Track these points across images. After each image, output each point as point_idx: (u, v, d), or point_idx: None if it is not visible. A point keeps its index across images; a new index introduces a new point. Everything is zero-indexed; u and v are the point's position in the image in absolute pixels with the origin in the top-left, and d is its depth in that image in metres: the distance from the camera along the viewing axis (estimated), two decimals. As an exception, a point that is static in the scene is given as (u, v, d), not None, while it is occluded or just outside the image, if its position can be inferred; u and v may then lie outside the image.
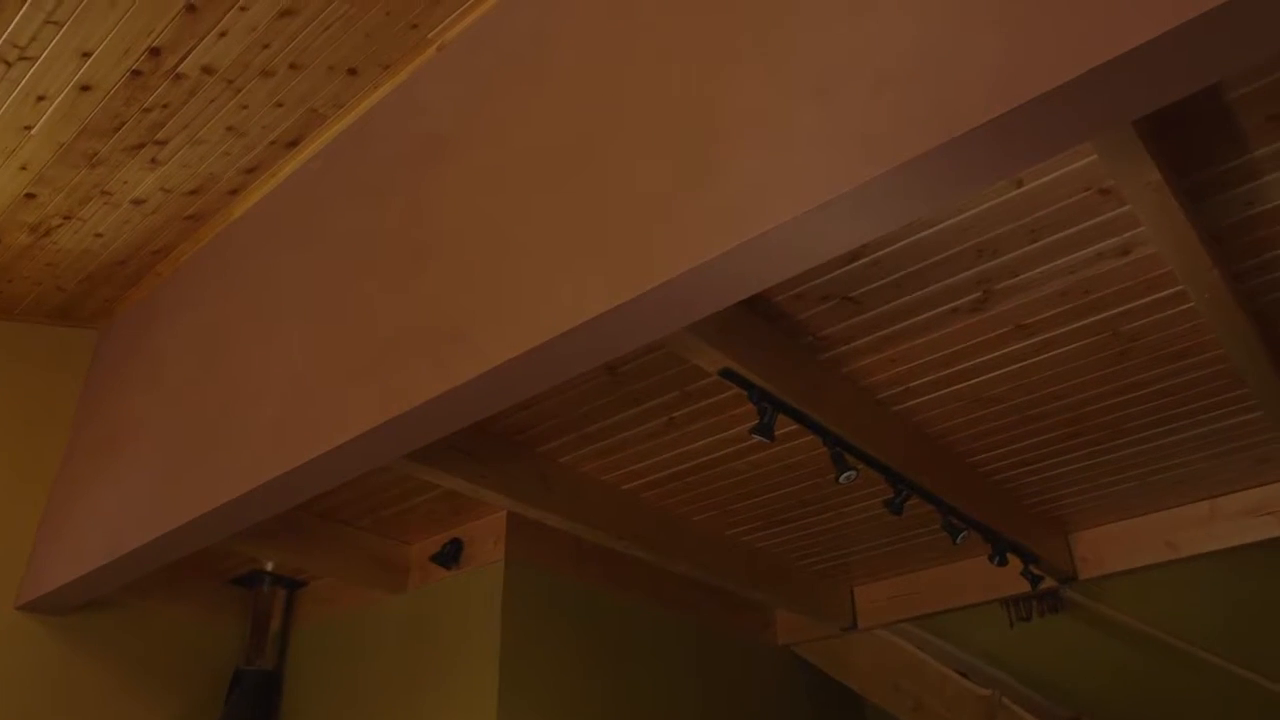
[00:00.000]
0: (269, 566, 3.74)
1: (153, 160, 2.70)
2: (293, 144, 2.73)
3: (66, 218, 2.88)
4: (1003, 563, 3.39)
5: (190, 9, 2.23)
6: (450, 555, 3.33)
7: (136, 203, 2.86)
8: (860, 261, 2.29)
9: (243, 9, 2.25)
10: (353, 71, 2.50)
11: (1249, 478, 3.36)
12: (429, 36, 2.42)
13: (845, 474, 2.63)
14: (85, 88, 2.42)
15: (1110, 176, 1.98)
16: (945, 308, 2.44)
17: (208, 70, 2.42)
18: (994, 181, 1.43)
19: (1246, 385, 2.67)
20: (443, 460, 2.66)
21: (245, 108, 2.56)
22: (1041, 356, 2.63)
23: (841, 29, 1.49)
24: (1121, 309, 2.45)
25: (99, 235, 2.99)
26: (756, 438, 2.43)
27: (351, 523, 3.43)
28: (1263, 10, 1.15)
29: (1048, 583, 3.70)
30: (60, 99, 2.44)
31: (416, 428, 2.03)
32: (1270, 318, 2.50)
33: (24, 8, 2.16)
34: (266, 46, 2.37)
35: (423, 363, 1.95)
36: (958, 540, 3.17)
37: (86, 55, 2.32)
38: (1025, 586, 3.65)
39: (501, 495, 2.82)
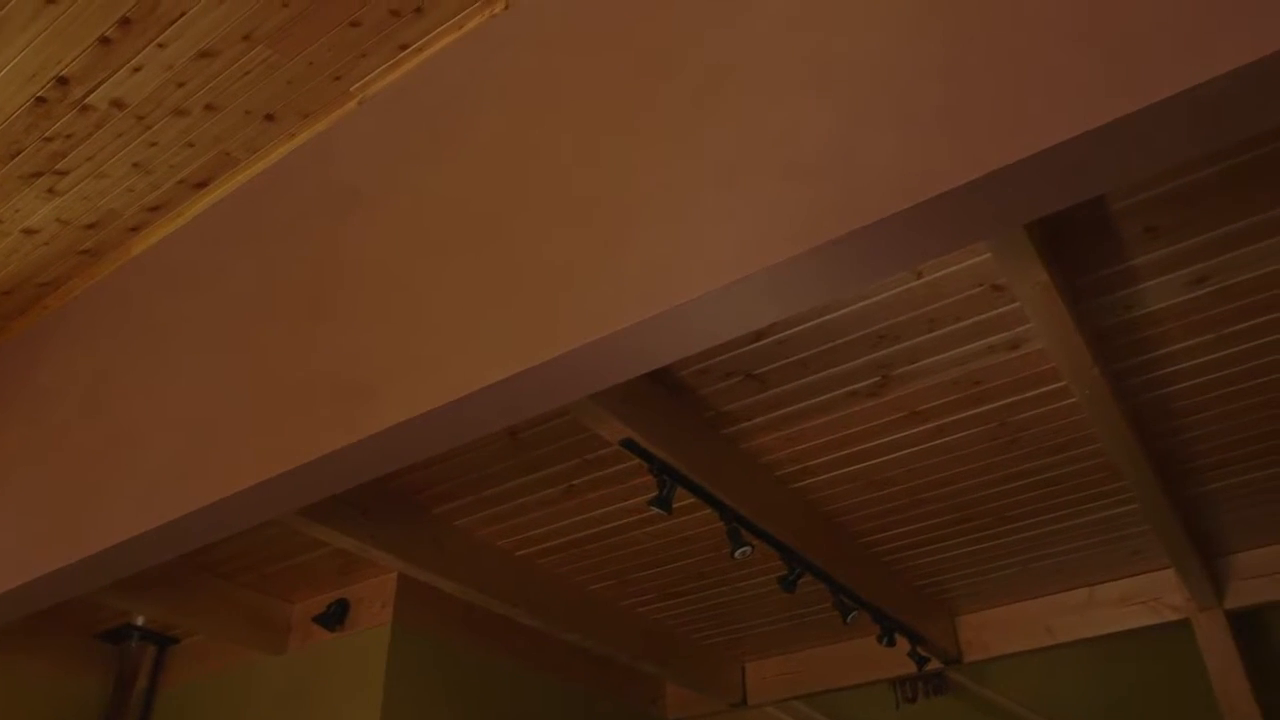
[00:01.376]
0: (139, 621, 3.55)
1: (50, 190, 2.61)
2: (201, 185, 2.67)
3: (-50, 243, 2.75)
4: (891, 643, 3.44)
5: (105, 41, 2.18)
6: (335, 616, 3.22)
7: (28, 232, 2.75)
8: (765, 341, 2.34)
9: (160, 45, 2.21)
10: (270, 117, 2.47)
11: (1123, 567, 3.50)
12: (351, 89, 2.41)
13: (741, 549, 2.65)
14: (-16, 112, 2.33)
15: (1003, 274, 2.08)
16: (845, 390, 2.51)
17: (118, 104, 2.36)
18: (897, 271, 1.49)
19: (1123, 479, 2.79)
20: (335, 517, 2.59)
21: (154, 145, 2.50)
22: (934, 442, 2.72)
23: (757, 117, 1.54)
24: (1009, 400, 2.55)
25: (-16, 264, 2.85)
26: (654, 510, 2.44)
27: (232, 578, 3.29)
28: (1145, 132, 1.24)
29: (934, 664, 3.76)
30: (-44, 121, 2.35)
31: (311, 482, 1.97)
32: (1146, 416, 2.64)
33: (-75, 26, 2.08)
34: (182, 85, 2.33)
35: (322, 416, 1.91)
36: (848, 620, 3.21)
37: (-11, 79, 2.24)
38: (912, 667, 3.71)
39: (393, 556, 2.75)
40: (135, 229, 2.82)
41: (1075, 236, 2.10)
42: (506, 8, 2.23)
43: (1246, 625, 3.58)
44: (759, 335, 2.33)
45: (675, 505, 2.50)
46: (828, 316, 2.27)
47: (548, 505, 2.95)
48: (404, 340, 1.85)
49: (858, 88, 1.46)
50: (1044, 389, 2.52)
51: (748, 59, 1.61)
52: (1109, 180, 1.33)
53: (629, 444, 2.36)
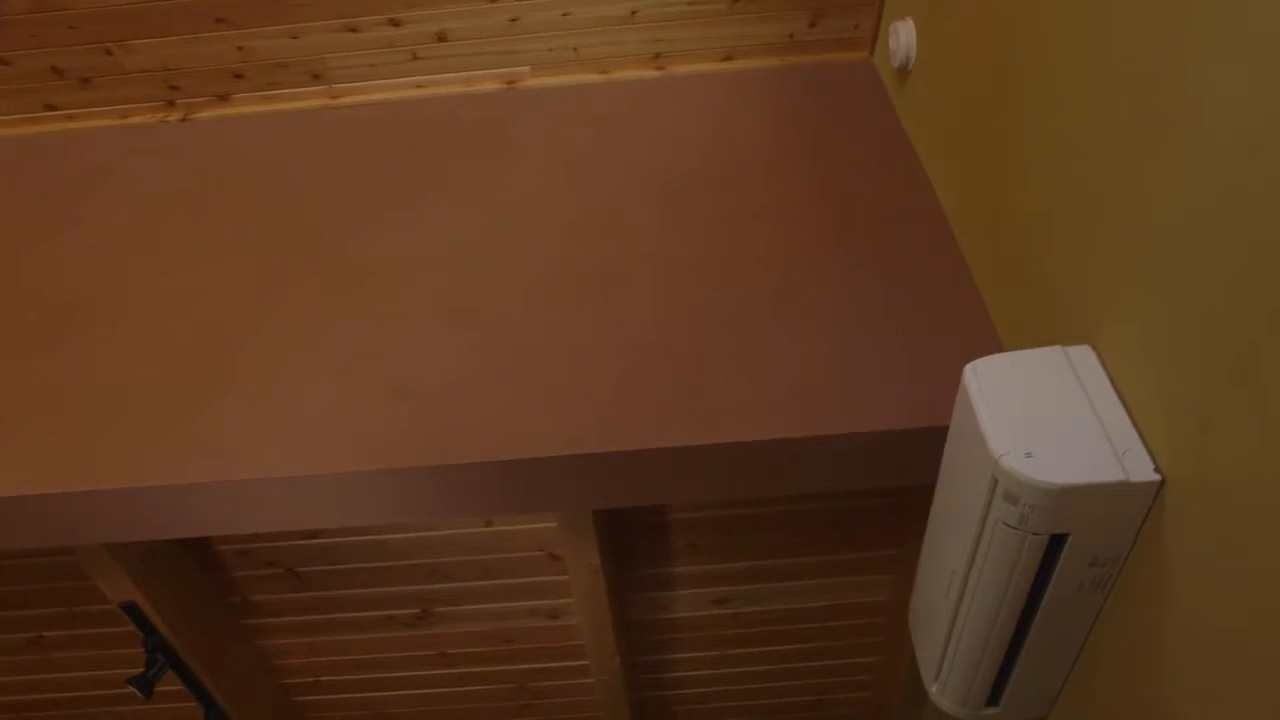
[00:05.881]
0: None
1: None
2: None
3: None
4: None
5: None
6: None
7: None
8: (318, 541, 2.24)
9: None
10: None
11: None
12: (-36, 125, 2.13)
13: (213, 757, 2.37)
14: None
15: (562, 547, 2.19)
16: (383, 613, 2.43)
17: None
18: (467, 516, 1.51)
19: (612, 769, 2.90)
20: None
21: None
22: (453, 689, 2.68)
23: (386, 329, 1.57)
24: (535, 666, 2.61)
25: None
26: (131, 689, 2.14)
27: None
28: (709, 463, 1.41)
29: None
30: None
31: None
32: (649, 711, 2.80)
33: None
34: None
35: None
36: None
37: None
38: None
39: None
40: None
41: (634, 533, 2.28)
42: (184, 120, 2.14)
43: None
44: (314, 533, 2.22)
45: (160, 689, 2.21)
46: (387, 536, 2.23)
47: (1, 653, 2.49)
48: (-103, 416, 1.55)
49: (487, 336, 1.54)
50: (568, 663, 2.60)
51: (398, 274, 1.66)
52: (671, 495, 1.49)
53: (130, 608, 2.09)
